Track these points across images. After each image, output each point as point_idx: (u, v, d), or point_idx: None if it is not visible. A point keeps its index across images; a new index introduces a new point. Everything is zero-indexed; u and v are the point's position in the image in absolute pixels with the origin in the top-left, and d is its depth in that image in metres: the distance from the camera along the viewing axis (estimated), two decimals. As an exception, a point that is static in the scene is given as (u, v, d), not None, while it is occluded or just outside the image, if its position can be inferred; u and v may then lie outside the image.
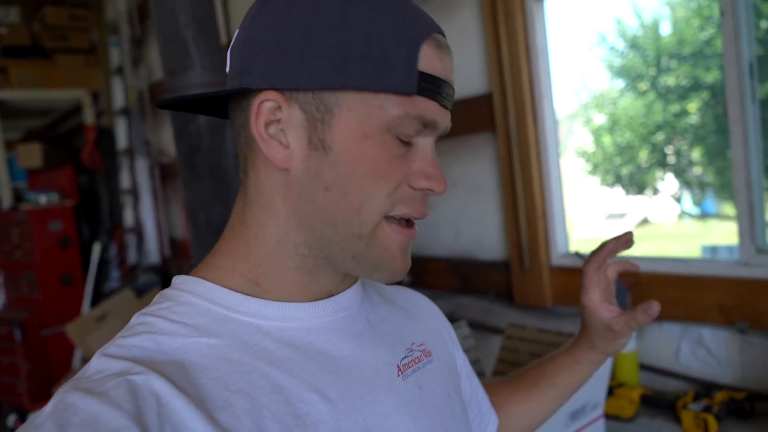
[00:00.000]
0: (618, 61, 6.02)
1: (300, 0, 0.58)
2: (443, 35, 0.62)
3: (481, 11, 2.06)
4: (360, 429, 0.59)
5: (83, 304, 3.97)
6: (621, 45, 5.88)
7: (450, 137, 2.28)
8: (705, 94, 5.29)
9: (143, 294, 3.57)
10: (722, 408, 1.41)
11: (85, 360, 3.34)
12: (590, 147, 6.63)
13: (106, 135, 4.48)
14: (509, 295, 2.14)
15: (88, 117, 4.62)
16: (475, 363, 1.34)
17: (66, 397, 0.49)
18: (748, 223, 1.58)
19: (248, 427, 0.53)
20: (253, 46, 0.59)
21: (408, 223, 0.63)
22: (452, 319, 1.01)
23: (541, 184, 2.01)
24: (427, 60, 0.59)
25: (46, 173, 4.53)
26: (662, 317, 1.69)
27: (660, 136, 5.94)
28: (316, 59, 0.57)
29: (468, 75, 2.16)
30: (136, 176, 4.26)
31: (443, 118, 0.62)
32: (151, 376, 0.51)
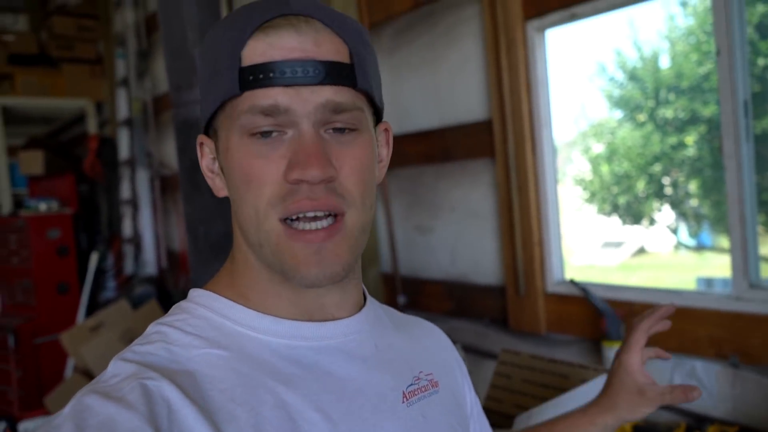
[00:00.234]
0: (617, 92, 6.08)
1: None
2: (293, 14, 0.60)
3: (483, 41, 2.10)
4: None
5: (78, 313, 3.96)
6: (620, 76, 5.95)
7: (449, 162, 2.31)
8: (702, 128, 5.35)
9: (139, 305, 3.57)
10: (712, 441, 1.42)
11: (78, 369, 3.33)
12: (588, 175, 6.67)
13: (108, 145, 4.51)
14: (504, 320, 2.15)
15: (91, 126, 4.65)
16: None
17: (84, 400, 0.52)
18: (741, 258, 1.60)
19: None
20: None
21: (316, 220, 0.59)
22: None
23: (539, 211, 2.03)
24: (252, 52, 0.59)
25: (47, 181, 4.54)
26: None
27: (657, 167, 5.98)
28: (201, 98, 0.65)
29: (469, 101, 2.19)
30: (137, 187, 4.27)
31: (294, 97, 0.58)
32: (163, 383, 0.54)
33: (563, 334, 1.98)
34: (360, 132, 0.62)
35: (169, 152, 4.06)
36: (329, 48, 0.59)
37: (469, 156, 2.22)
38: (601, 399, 0.87)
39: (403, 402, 0.67)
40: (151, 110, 4.26)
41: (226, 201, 0.68)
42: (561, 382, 1.39)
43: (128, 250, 4.24)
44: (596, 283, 1.92)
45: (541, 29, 1.99)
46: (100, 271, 4.22)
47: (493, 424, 0.93)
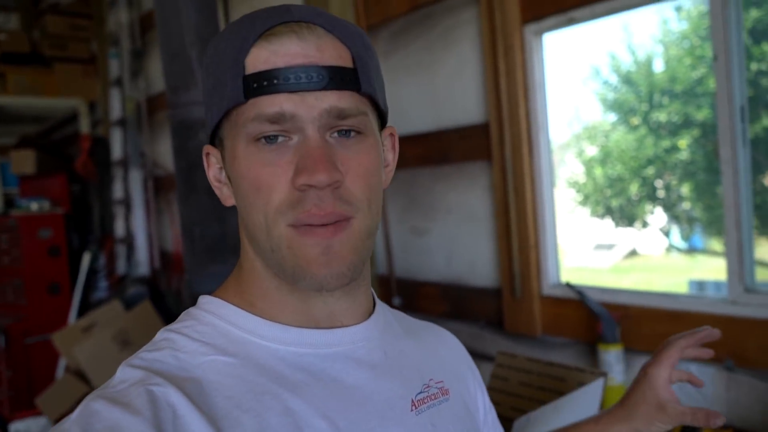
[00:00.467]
0: (611, 95, 6.11)
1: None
2: (294, 21, 0.60)
3: (481, 44, 2.10)
4: None
5: (70, 313, 3.94)
6: (614, 80, 5.98)
7: (446, 164, 2.31)
8: (695, 132, 5.38)
9: (132, 305, 3.54)
10: (707, 444, 1.43)
11: (70, 370, 3.30)
12: (582, 178, 6.69)
13: (100, 145, 4.49)
14: (499, 323, 2.15)
15: (84, 126, 4.62)
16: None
17: (91, 405, 0.53)
18: (737, 261, 1.61)
19: None
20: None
21: (324, 227, 0.59)
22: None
23: (535, 214, 2.04)
24: (256, 60, 0.59)
25: (39, 180, 4.51)
26: (651, 351, 1.71)
27: (650, 170, 6.01)
28: (206, 109, 0.66)
29: (466, 104, 2.19)
30: (129, 187, 4.25)
31: (299, 103, 0.58)
32: (169, 389, 0.55)
33: (559, 336, 1.99)
34: (365, 136, 0.62)
35: (162, 152, 4.04)
36: (332, 53, 0.60)
37: (465, 158, 2.22)
38: (616, 409, 0.86)
39: (412, 410, 0.66)
40: (145, 110, 4.24)
41: (221, 203, 0.68)
42: (558, 385, 1.39)
43: (120, 250, 4.22)
44: (591, 286, 1.92)
45: (539, 33, 2.00)
46: (92, 271, 4.20)
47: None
